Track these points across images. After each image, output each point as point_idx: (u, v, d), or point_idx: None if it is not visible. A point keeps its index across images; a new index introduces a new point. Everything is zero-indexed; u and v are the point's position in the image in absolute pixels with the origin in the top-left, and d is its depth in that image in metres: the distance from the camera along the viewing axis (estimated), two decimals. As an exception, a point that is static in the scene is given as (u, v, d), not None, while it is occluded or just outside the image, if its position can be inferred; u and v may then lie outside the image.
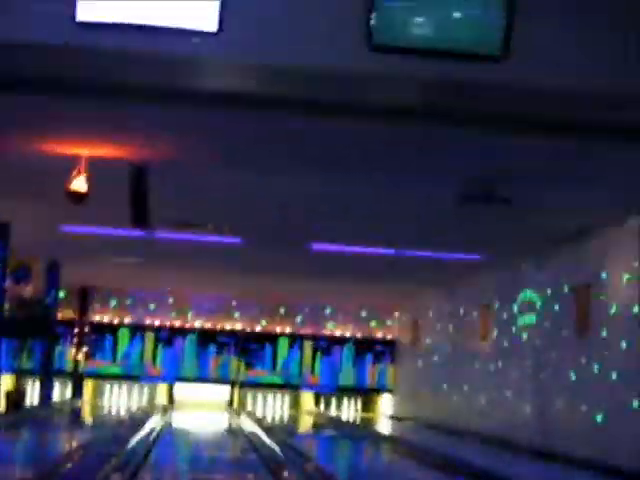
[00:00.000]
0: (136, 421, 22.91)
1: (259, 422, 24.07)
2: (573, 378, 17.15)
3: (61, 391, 31.92)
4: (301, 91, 8.56)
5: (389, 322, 33.39)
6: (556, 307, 18.28)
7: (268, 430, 20.67)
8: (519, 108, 8.69)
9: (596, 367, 16.16)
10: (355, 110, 9.09)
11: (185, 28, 7.48)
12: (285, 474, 12.17)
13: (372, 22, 7.48)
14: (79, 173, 11.90)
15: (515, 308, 20.70)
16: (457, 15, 7.62)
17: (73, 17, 7.38)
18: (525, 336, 19.99)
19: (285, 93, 8.63)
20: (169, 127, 10.83)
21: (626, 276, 15.22)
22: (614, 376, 15.41)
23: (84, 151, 11.88)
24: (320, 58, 7.79)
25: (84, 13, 7.44)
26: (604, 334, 15.92)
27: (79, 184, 11.89)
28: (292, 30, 7.73)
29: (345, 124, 10.03)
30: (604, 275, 16.13)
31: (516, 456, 18.50)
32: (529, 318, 19.79)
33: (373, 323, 33.48)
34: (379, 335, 33.39)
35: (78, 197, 12.00)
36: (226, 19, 7.45)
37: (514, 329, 20.67)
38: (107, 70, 8.14)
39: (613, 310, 15.63)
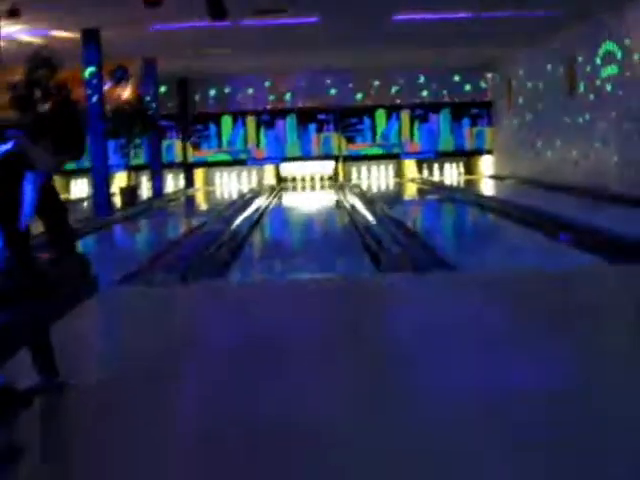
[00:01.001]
0: (245, 202, 24.22)
1: (362, 195, 24.94)
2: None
3: (174, 182, 33.44)
4: None
5: (483, 84, 33.56)
6: (636, 57, 18.38)
7: (370, 202, 21.50)
8: None
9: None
10: None
11: None
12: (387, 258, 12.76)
13: None
14: (152, -22, 12.54)
15: (598, 60, 20.81)
16: None
17: None
18: (608, 87, 20.22)
19: None
20: None
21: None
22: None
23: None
24: None
25: None
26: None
27: (153, -11, 12.56)
28: None
29: None
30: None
31: (609, 205, 18.51)
32: (611, 69, 19.96)
33: (467, 87, 33.61)
34: (475, 99, 33.74)
35: (154, 2, 12.68)
36: None
37: (598, 81, 20.87)
38: None
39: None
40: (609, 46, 20.01)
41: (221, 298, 9.00)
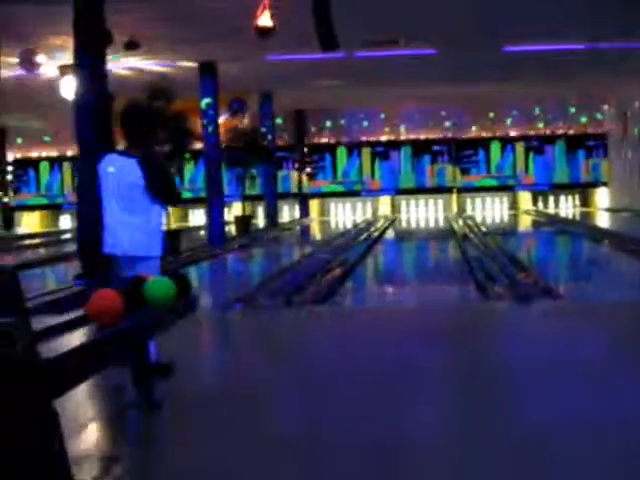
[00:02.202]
0: (358, 232, 24.33)
1: (476, 227, 24.77)
2: None
3: (290, 212, 33.73)
4: None
5: (599, 116, 33.13)
6: None
7: (485, 235, 21.33)
8: None
9: None
10: None
11: None
12: (493, 287, 12.67)
13: None
14: (264, 9, 12.70)
15: None
16: None
17: None
18: None
19: None
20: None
21: None
22: None
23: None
24: None
25: None
26: None
27: (265, 20, 12.72)
28: None
29: None
30: None
31: None
32: None
33: (583, 119, 33.29)
34: (590, 130, 33.32)
35: (266, 32, 12.85)
36: None
37: None
38: None
39: None
40: None
41: (321, 323, 9.06)
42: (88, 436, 4.84)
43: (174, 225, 25.89)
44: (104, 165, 6.05)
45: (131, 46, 16.27)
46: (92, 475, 4.14)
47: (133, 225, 5.91)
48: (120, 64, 18.70)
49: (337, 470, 4.19)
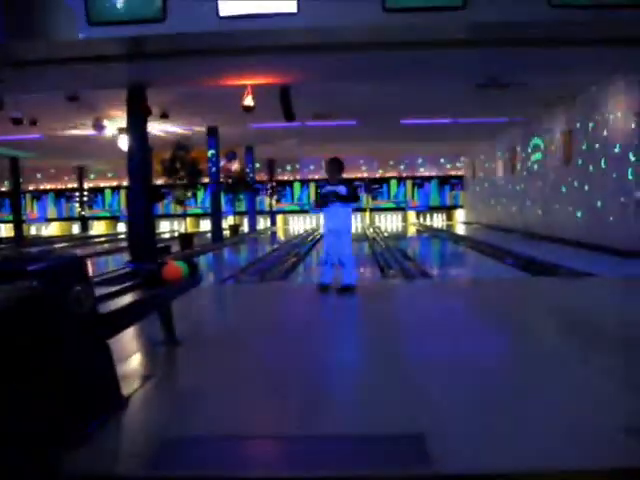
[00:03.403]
0: (307, 235, 24.29)
1: (380, 233, 24.85)
2: (564, 190, 17.19)
3: (263, 222, 33.60)
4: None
5: (458, 164, 33.43)
6: (552, 147, 18.19)
7: (386, 238, 21.43)
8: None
9: (576, 183, 16.20)
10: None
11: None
12: (389, 270, 12.80)
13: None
14: (247, 94, 12.66)
15: (529, 149, 20.60)
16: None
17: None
18: (535, 167, 20.00)
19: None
20: (303, 67, 11.25)
21: (590, 124, 15.15)
22: (586, 187, 15.47)
23: (249, 82, 12.59)
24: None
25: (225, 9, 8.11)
26: (580, 162, 15.90)
27: (248, 101, 12.68)
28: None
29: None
30: (578, 124, 15.99)
31: (533, 240, 18.40)
32: (537, 155, 19.75)
33: (449, 166, 33.57)
34: (453, 173, 33.61)
35: (248, 109, 12.81)
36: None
37: (529, 163, 20.65)
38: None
39: (584, 147, 15.56)
40: (536, 140, 19.81)
41: (282, 292, 9.06)
42: (131, 362, 4.82)
43: (190, 229, 25.60)
44: (329, 187, 7.56)
45: (163, 116, 16.13)
46: (134, 387, 4.13)
47: (342, 216, 7.61)
48: (156, 127, 18.50)
49: (293, 384, 4.22)
